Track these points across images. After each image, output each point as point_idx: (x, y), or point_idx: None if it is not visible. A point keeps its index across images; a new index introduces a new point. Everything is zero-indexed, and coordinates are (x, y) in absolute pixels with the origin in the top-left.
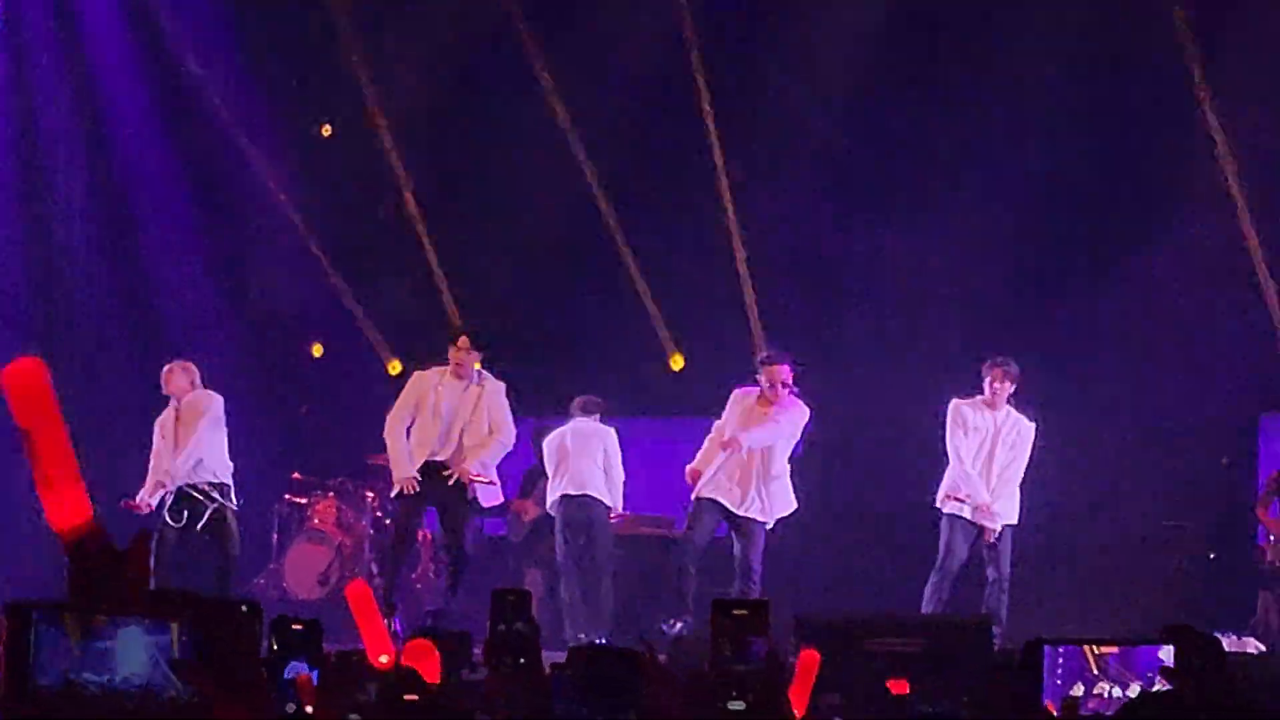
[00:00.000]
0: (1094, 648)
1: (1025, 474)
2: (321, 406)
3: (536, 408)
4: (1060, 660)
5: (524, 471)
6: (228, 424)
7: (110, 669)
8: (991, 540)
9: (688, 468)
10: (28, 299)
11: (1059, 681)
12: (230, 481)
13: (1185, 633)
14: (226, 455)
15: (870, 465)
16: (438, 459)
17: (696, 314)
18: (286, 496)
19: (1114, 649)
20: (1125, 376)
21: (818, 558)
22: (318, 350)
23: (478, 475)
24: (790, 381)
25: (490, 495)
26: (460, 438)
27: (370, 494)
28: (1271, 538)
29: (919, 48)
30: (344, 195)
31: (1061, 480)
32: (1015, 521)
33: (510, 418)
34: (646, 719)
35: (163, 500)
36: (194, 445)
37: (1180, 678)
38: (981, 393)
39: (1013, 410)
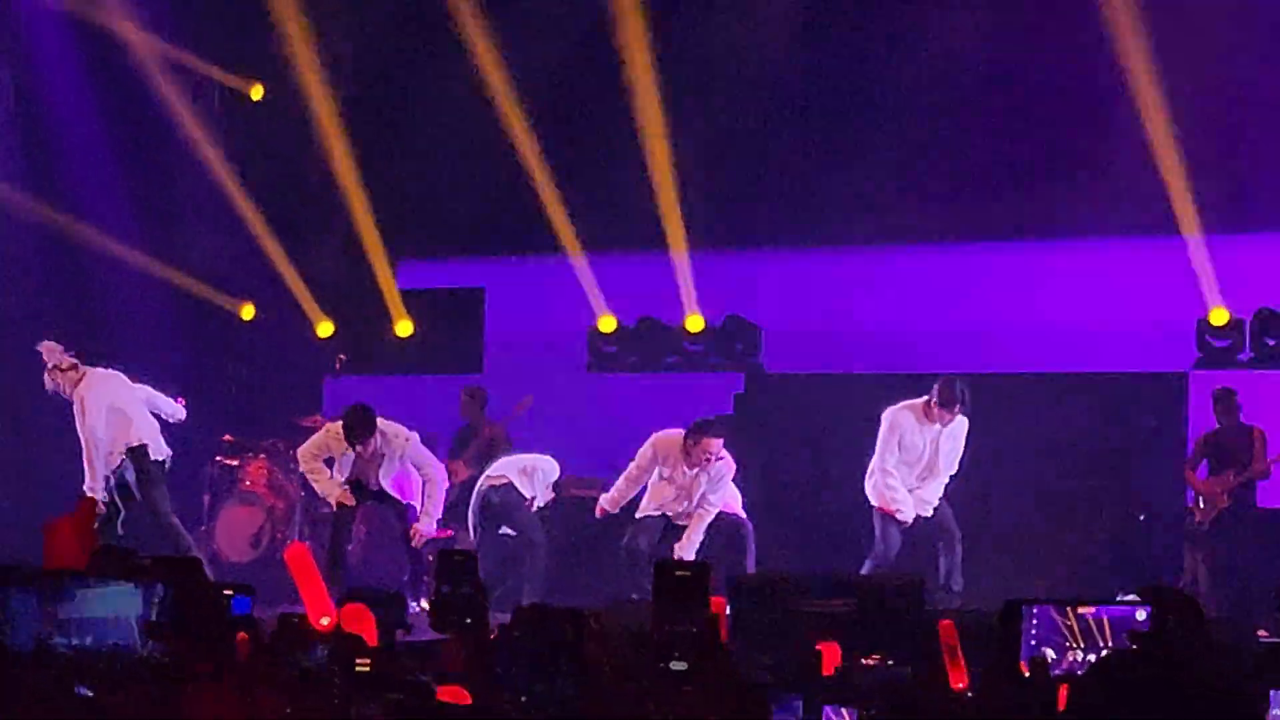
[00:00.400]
0: (1069, 609)
1: None
2: (253, 369)
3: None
4: (1034, 622)
5: (453, 433)
6: (160, 386)
7: (81, 631)
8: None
9: (602, 503)
10: None
11: (1032, 642)
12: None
13: (1162, 593)
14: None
15: (805, 430)
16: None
17: (627, 271)
18: (218, 458)
19: (1090, 609)
20: (1052, 334)
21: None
22: (248, 312)
23: (434, 534)
24: (721, 453)
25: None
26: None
27: None
28: (1201, 501)
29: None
30: (275, 157)
31: (988, 442)
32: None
33: (432, 457)
34: (585, 677)
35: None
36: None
37: (1152, 639)
38: (928, 399)
39: (959, 420)
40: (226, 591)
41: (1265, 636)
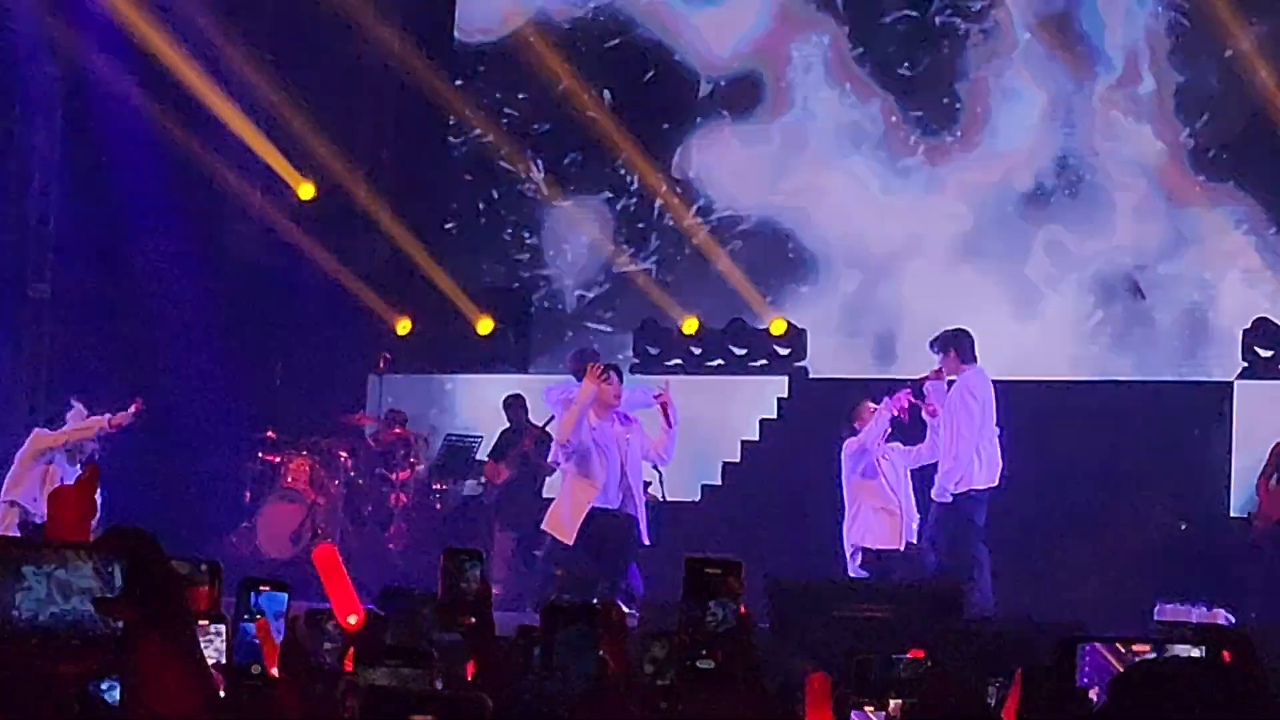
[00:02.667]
0: (1121, 646)
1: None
2: (296, 364)
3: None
4: (1086, 659)
5: (501, 433)
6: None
7: (40, 604)
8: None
9: None
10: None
11: (1084, 680)
12: None
13: (1218, 633)
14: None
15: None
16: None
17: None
18: (259, 455)
19: (1146, 647)
20: (1095, 342)
21: (793, 524)
22: (404, 327)
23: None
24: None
25: None
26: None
27: (344, 453)
28: (1259, 510)
29: None
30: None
31: (1031, 451)
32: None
33: None
34: (602, 673)
35: None
36: None
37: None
38: None
39: (968, 372)
40: (264, 586)
41: None
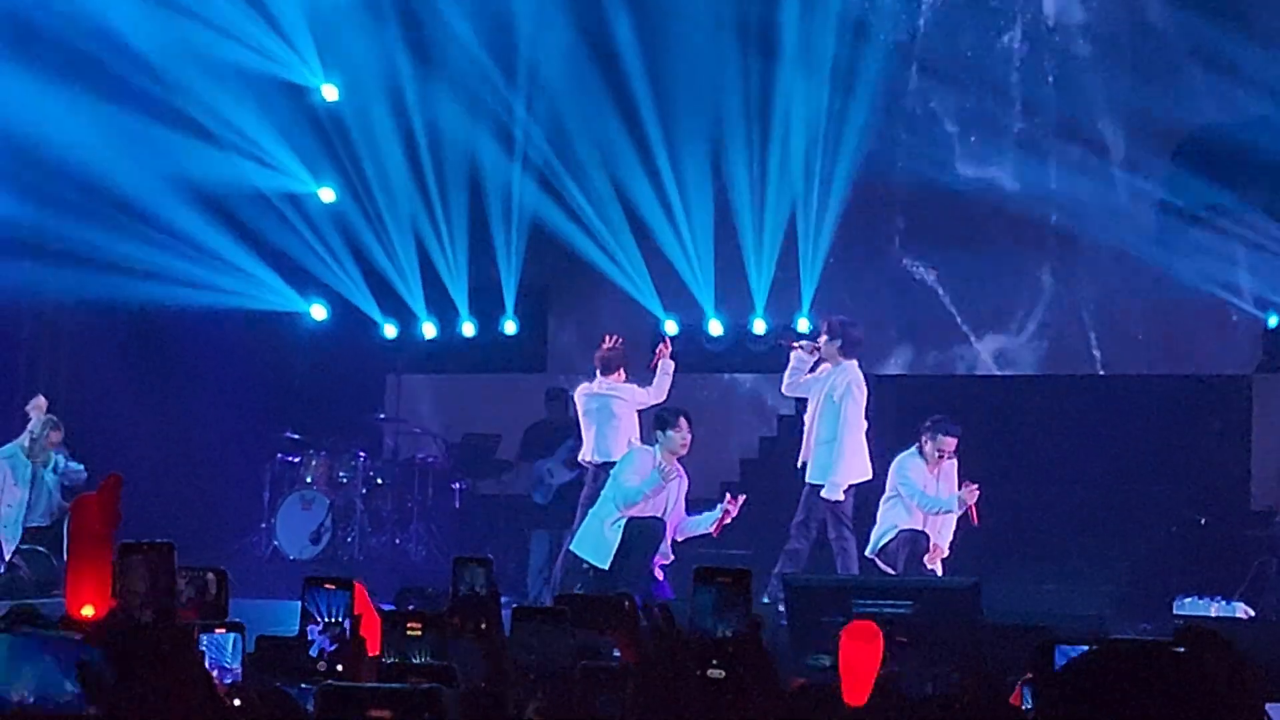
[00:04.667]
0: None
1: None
2: (316, 366)
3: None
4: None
5: (528, 429)
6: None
7: (30, 687)
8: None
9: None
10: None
11: None
12: None
13: (1197, 634)
14: None
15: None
16: None
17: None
18: (279, 455)
19: None
20: (1112, 334)
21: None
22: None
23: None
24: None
25: None
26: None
27: (363, 454)
28: None
29: None
30: (347, 158)
31: (1051, 444)
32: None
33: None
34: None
35: None
36: None
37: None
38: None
39: (846, 364)
40: (328, 585)
41: None
